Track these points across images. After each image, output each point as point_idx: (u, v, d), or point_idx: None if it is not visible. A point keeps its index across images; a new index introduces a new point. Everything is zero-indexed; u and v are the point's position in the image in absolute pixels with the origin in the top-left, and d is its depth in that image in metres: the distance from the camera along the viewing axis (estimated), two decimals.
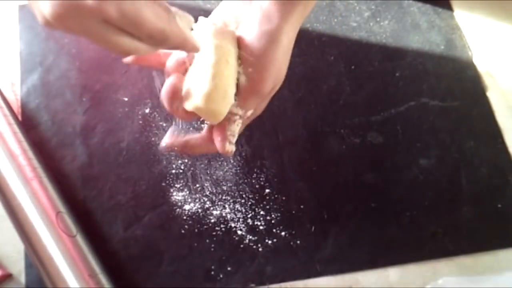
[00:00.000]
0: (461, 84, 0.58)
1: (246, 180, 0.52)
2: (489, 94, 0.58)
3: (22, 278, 0.48)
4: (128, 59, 0.41)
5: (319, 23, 0.61)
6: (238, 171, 0.52)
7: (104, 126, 0.54)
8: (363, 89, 0.57)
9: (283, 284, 0.48)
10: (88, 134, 0.53)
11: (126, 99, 0.56)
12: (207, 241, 0.49)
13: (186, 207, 0.50)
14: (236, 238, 0.49)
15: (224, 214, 0.50)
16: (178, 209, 0.50)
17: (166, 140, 0.43)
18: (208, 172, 0.52)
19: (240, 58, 0.39)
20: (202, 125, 0.51)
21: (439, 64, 0.59)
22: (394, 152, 0.54)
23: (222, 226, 0.49)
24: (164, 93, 0.39)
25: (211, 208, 0.50)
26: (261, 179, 0.52)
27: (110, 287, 0.46)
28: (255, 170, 0.52)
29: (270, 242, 0.49)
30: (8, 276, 0.47)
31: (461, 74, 0.59)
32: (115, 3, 0.29)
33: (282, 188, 0.51)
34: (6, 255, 0.49)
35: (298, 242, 0.49)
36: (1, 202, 0.48)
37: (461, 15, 0.63)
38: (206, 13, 0.61)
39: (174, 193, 0.51)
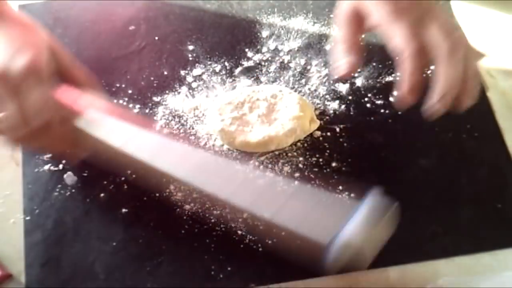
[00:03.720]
0: None
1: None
2: (489, 94, 0.58)
3: (22, 278, 0.48)
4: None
5: (319, 23, 0.62)
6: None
7: None
8: None
9: (283, 284, 0.48)
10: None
11: (126, 99, 0.56)
12: (207, 241, 0.49)
13: (186, 207, 0.50)
14: (236, 238, 0.49)
15: (224, 214, 0.50)
16: (178, 209, 0.50)
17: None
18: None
19: None
20: None
21: None
22: (394, 152, 0.54)
23: (222, 226, 0.49)
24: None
25: (211, 208, 0.50)
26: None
27: (110, 287, 0.46)
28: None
29: (270, 242, 0.49)
30: (8, 276, 0.47)
31: None
32: None
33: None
34: (6, 255, 0.49)
35: (298, 242, 0.49)
36: None
37: (461, 14, 0.63)
38: (206, 13, 0.62)
39: (174, 193, 0.51)
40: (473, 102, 0.45)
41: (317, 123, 0.54)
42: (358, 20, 0.46)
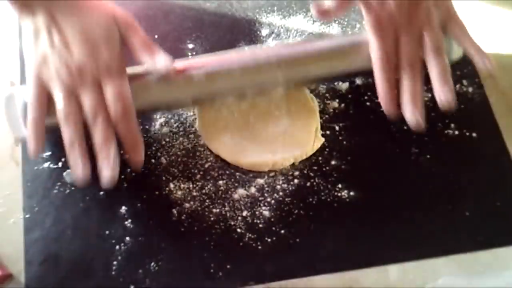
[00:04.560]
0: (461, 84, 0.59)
1: (245, 179, 0.52)
2: (489, 94, 0.58)
3: (22, 278, 0.47)
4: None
5: (319, 21, 0.62)
6: (237, 169, 0.52)
7: None
8: None
9: (282, 283, 0.48)
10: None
11: None
12: (207, 239, 0.49)
13: (186, 205, 0.50)
14: (236, 236, 0.49)
15: (223, 212, 0.50)
16: (177, 207, 0.50)
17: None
18: (208, 171, 0.52)
19: None
20: None
21: None
22: (393, 150, 0.54)
23: (221, 224, 0.49)
24: None
25: (211, 206, 0.50)
26: (261, 178, 0.52)
27: (108, 285, 0.46)
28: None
29: (269, 240, 0.49)
30: (8, 276, 0.47)
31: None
32: None
33: (281, 186, 0.51)
34: (6, 255, 0.48)
35: (298, 240, 0.49)
36: None
37: (460, 14, 0.62)
38: (206, 11, 0.62)
39: (174, 191, 0.51)
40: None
41: (320, 141, 0.53)
42: None
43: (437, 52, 0.48)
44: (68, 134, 0.44)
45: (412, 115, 0.47)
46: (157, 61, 0.46)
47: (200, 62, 0.50)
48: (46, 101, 0.45)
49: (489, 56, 0.48)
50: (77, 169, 0.44)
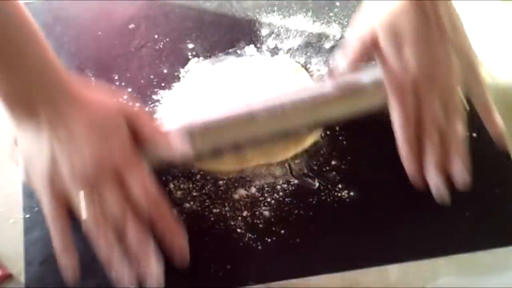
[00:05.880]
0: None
1: (245, 179, 0.52)
2: (489, 94, 0.58)
3: (22, 278, 0.47)
4: None
5: (319, 21, 0.62)
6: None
7: None
8: None
9: (282, 283, 0.47)
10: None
11: (125, 97, 0.56)
12: (207, 239, 0.49)
13: (186, 205, 0.50)
14: (236, 236, 0.49)
15: (223, 213, 0.50)
16: (177, 207, 0.50)
17: None
18: (208, 171, 0.52)
19: None
20: None
21: None
22: (393, 150, 0.54)
23: (221, 224, 0.49)
24: None
25: (211, 207, 0.50)
26: (260, 177, 0.52)
27: (109, 285, 0.46)
28: (254, 168, 0.52)
29: (269, 240, 0.49)
30: (8, 276, 0.47)
31: None
32: None
33: (281, 186, 0.51)
34: (6, 255, 0.48)
35: (298, 240, 0.49)
36: None
37: (461, 14, 0.63)
38: (206, 11, 0.62)
39: (174, 192, 0.51)
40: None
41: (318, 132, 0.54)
42: (369, 47, 0.49)
43: (453, 120, 0.47)
44: (104, 247, 0.41)
45: (434, 182, 0.47)
46: (174, 147, 0.45)
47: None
48: (67, 214, 0.41)
49: (500, 126, 0.49)
50: (124, 277, 0.41)
